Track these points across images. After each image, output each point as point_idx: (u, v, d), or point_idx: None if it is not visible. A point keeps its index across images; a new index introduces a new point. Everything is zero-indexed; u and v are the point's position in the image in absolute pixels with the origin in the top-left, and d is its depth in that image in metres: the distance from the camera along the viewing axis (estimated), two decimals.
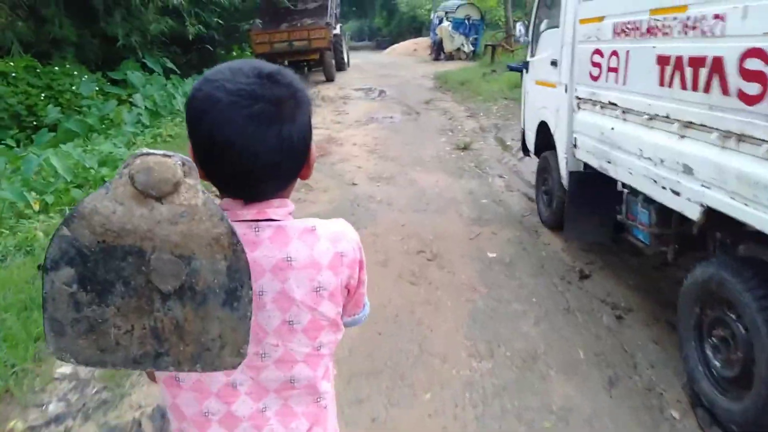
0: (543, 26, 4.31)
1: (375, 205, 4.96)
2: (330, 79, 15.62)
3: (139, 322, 0.66)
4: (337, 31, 17.95)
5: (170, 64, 10.73)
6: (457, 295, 3.29)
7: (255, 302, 0.72)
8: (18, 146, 6.69)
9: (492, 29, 21.99)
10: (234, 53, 16.77)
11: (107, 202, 0.63)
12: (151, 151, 0.65)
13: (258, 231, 0.78)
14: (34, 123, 7.74)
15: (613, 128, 2.94)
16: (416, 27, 34.50)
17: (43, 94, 8.05)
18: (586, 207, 3.44)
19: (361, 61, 23.98)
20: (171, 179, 0.64)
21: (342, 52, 18.45)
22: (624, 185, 3.10)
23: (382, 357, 2.68)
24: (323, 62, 15.29)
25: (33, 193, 4.57)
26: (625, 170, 2.84)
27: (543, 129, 4.20)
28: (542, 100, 4.20)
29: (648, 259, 3.42)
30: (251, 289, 0.69)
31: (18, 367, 2.52)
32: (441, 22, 20.68)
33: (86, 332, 0.65)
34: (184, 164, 0.65)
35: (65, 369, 2.57)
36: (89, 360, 0.67)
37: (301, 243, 0.80)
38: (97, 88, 8.91)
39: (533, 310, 3.09)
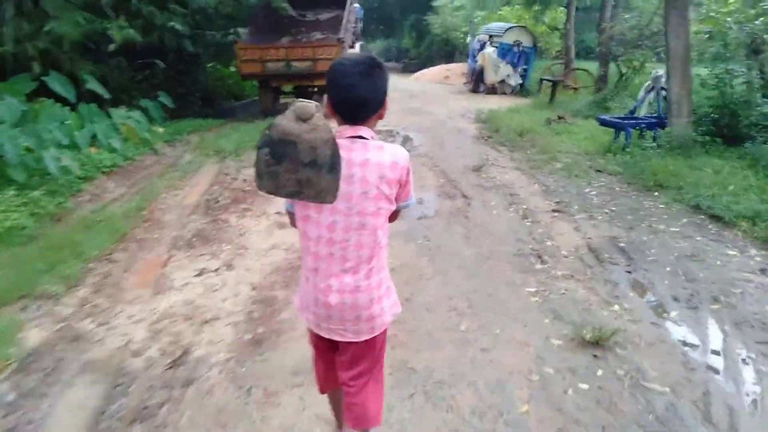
0: None
1: None
2: None
3: (293, 175, 1.39)
4: (357, 49, 14.33)
5: (94, 85, 7.07)
6: None
7: (348, 180, 1.47)
8: None
9: (540, 59, 18.24)
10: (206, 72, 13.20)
11: (283, 121, 1.38)
12: (303, 100, 1.40)
13: (354, 143, 1.50)
14: None
15: None
16: (448, 51, 30.95)
17: None
18: None
19: None
20: (310, 111, 1.36)
21: None
22: None
23: None
24: None
25: None
26: None
27: None
28: None
29: None
30: (340, 166, 1.40)
31: None
32: (483, 47, 16.98)
33: (271, 177, 1.40)
34: (316, 107, 1.38)
35: None
36: (270, 190, 1.42)
37: (375, 151, 1.50)
38: None
39: None
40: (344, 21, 11.48)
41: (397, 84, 20.06)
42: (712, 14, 6.74)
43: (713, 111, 7.26)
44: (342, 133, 1.49)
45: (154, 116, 8.56)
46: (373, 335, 1.66)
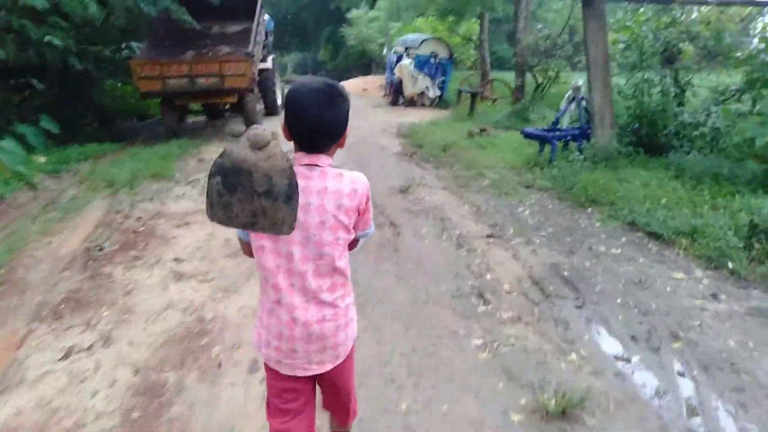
0: None
1: None
2: None
3: (247, 206, 1.30)
4: (268, 64, 13.57)
5: None
6: None
7: (304, 209, 1.41)
8: None
9: (456, 70, 18.31)
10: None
11: (236, 148, 1.29)
12: (257, 126, 1.33)
13: (312, 171, 1.45)
14: None
15: None
16: (365, 63, 30.82)
17: None
18: None
19: None
20: (265, 139, 1.29)
21: (274, 93, 14.03)
22: None
23: None
24: (244, 107, 10.81)
25: None
26: None
27: None
28: None
29: None
30: (297, 196, 1.32)
31: None
32: (400, 59, 16.75)
33: (222, 208, 1.31)
34: (272, 134, 1.32)
35: None
36: (222, 221, 1.33)
37: (333, 179, 1.45)
38: None
39: None
40: (253, 34, 10.71)
41: None
42: (628, 23, 6.71)
43: (632, 120, 7.25)
44: (299, 160, 1.46)
45: (34, 143, 7.38)
46: (338, 362, 1.62)
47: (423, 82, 16.09)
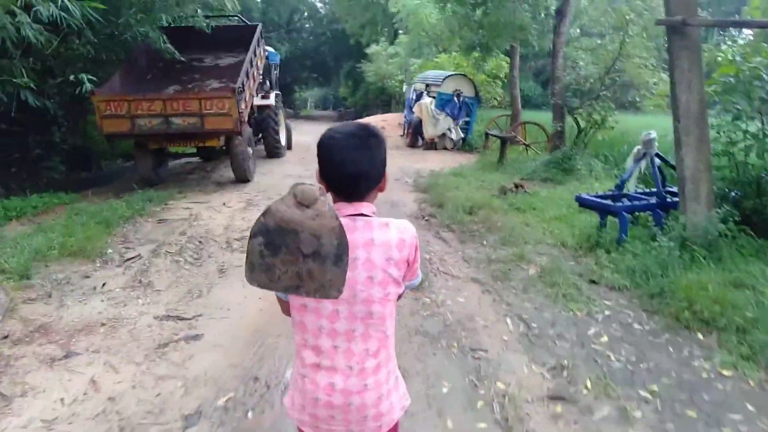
0: None
1: None
2: (242, 179, 9.41)
3: (291, 268, 1.17)
4: (270, 101, 12.00)
5: None
6: None
7: (351, 264, 1.25)
8: None
9: (480, 109, 16.55)
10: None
11: (282, 206, 1.17)
12: (305, 182, 1.19)
13: (355, 222, 1.33)
14: None
15: None
16: (384, 100, 29.42)
17: None
18: None
19: (313, 139, 18.07)
20: (313, 196, 1.17)
21: (277, 133, 12.43)
22: None
23: None
24: (230, 152, 9.13)
25: None
26: None
27: None
28: None
29: None
30: (348, 256, 1.18)
31: None
32: (420, 97, 15.10)
33: (265, 270, 1.18)
34: (320, 189, 1.19)
35: None
36: (263, 285, 1.20)
37: (380, 230, 1.34)
38: None
39: None
40: (244, 67, 9.11)
41: None
42: (735, 56, 4.83)
43: (730, 187, 5.30)
44: (341, 210, 1.35)
45: None
46: None
47: (445, 123, 14.35)
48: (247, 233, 6.43)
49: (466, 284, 4.61)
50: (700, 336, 3.56)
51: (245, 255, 1.20)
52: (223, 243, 5.69)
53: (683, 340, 3.54)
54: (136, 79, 9.28)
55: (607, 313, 3.97)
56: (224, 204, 7.61)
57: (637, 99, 11.15)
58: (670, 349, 3.43)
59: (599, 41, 11.16)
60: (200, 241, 5.71)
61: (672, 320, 3.79)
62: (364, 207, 1.36)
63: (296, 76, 40.75)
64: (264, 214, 1.18)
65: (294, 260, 1.17)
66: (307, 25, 39.82)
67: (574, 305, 4.08)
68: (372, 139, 1.35)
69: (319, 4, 41.01)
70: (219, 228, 6.27)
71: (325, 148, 1.34)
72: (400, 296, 1.45)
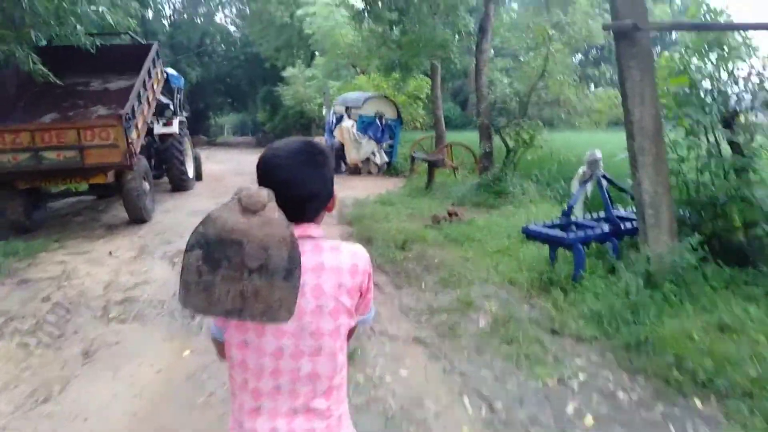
0: None
1: None
2: (138, 219, 8.09)
3: (233, 286, 0.99)
4: (174, 128, 10.74)
5: None
6: None
7: (299, 291, 1.05)
8: None
9: (403, 131, 16.06)
10: None
11: (224, 213, 1.00)
12: (251, 186, 1.04)
13: (303, 244, 1.11)
14: None
15: None
16: (304, 124, 28.45)
17: None
18: None
19: (228, 168, 16.78)
20: (262, 201, 1.01)
21: (182, 163, 11.13)
22: None
23: None
24: (122, 189, 7.80)
25: None
26: None
27: None
28: None
29: None
30: (300, 271, 1.02)
31: None
32: (341, 120, 14.32)
33: (202, 290, 0.99)
34: (269, 193, 1.04)
35: None
36: (199, 308, 1.01)
37: (330, 253, 1.17)
38: None
39: None
40: (134, 90, 7.88)
41: (245, 161, 16.60)
42: (689, 65, 4.38)
43: (685, 208, 4.83)
44: None
45: None
46: None
47: (368, 147, 13.64)
48: (134, 291, 4.90)
49: (407, 348, 3.73)
50: (699, 404, 2.88)
51: (179, 274, 1.03)
52: (98, 310, 4.47)
53: (681, 412, 2.84)
54: (1, 107, 7.79)
55: (581, 377, 3.22)
56: (110, 253, 6.32)
57: (562, 116, 10.96)
58: (671, 429, 2.71)
59: (522, 59, 10.90)
60: (67, 309, 4.47)
61: (660, 383, 3.09)
62: (312, 228, 1.21)
63: (210, 101, 38.97)
64: (203, 222, 1.03)
65: (237, 277, 1.01)
66: (219, 49, 38.22)
67: (542, 369, 3.30)
68: (319, 156, 1.20)
69: (231, 27, 39.67)
70: (97, 288, 5.02)
71: (268, 166, 1.18)
72: (351, 333, 1.29)
